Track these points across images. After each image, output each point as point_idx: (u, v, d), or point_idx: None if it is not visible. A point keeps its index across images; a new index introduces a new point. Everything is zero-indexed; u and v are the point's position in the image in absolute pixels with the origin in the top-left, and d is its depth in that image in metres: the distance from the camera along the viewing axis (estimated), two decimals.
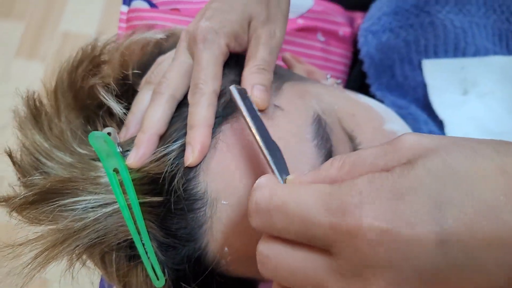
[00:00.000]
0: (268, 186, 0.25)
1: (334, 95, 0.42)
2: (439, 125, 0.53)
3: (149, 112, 0.36)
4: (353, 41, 0.66)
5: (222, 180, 0.34)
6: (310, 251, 0.24)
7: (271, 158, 0.30)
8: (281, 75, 0.42)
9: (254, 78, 0.37)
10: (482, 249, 0.20)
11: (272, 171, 0.29)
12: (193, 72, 0.37)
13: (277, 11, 0.41)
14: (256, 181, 0.26)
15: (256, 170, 0.34)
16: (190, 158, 0.33)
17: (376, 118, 0.42)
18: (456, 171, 0.21)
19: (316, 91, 0.41)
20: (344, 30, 0.64)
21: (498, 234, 0.20)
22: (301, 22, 0.63)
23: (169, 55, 0.42)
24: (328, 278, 0.23)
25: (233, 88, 0.34)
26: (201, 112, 0.35)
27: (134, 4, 0.64)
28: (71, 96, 0.39)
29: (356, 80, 0.61)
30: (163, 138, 0.36)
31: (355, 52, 0.65)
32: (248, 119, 0.32)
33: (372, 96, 0.57)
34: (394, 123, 0.43)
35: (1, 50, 1.38)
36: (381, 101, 0.55)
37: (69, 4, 1.44)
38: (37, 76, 1.30)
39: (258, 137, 0.31)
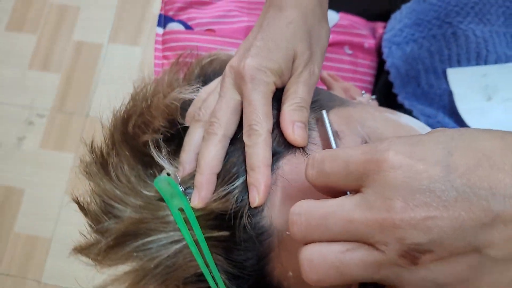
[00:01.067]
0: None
1: (376, 118, 0.43)
2: None
3: (204, 153, 0.38)
4: (377, 51, 0.67)
5: (286, 212, 0.36)
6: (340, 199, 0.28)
7: None
8: (324, 101, 0.43)
9: (295, 115, 0.38)
10: (478, 183, 0.24)
11: None
12: (245, 112, 0.39)
13: (317, 47, 0.42)
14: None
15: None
16: (256, 200, 0.35)
17: None
18: (462, 132, 0.27)
19: (359, 115, 0.42)
20: (369, 42, 0.66)
21: (489, 175, 0.25)
22: (329, 37, 0.64)
23: (213, 87, 0.43)
24: (356, 212, 0.27)
25: (324, 114, 0.38)
26: (260, 153, 0.36)
27: (170, 27, 0.65)
28: (128, 148, 0.41)
29: (383, 89, 0.63)
30: (222, 175, 0.38)
31: (380, 62, 0.67)
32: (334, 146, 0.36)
33: (401, 105, 0.59)
34: None
35: (15, 62, 1.39)
36: (411, 110, 0.57)
37: (80, 14, 1.44)
38: (51, 87, 1.34)
39: None
